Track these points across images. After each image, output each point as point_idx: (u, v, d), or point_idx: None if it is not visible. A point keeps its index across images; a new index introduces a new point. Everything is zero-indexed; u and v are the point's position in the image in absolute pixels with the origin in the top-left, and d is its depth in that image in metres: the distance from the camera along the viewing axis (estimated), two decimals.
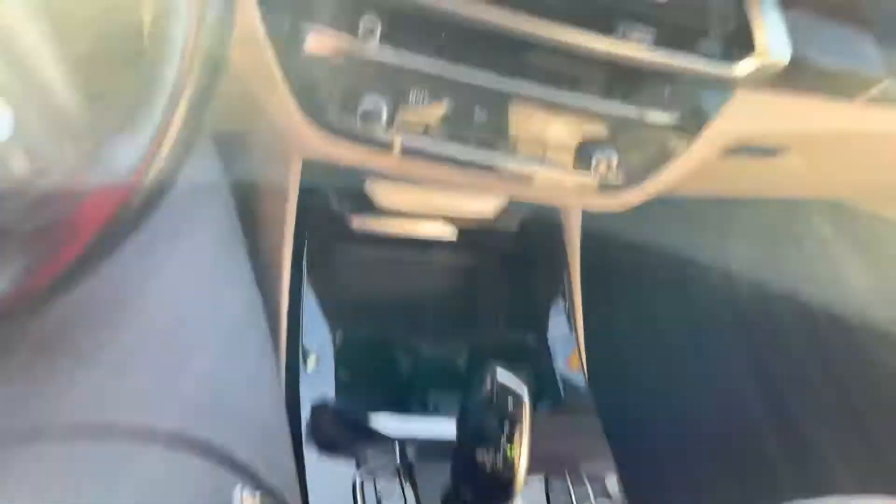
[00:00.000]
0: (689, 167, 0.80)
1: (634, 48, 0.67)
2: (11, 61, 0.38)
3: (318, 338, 0.79)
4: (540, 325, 0.90)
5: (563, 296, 0.92)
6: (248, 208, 0.83)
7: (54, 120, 0.40)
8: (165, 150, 0.41)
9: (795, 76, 0.72)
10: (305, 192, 0.84)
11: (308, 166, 0.84)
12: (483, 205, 0.92)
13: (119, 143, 0.41)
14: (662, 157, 0.77)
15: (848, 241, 1.39)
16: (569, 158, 0.75)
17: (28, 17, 0.38)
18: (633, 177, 0.77)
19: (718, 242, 1.45)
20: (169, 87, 0.40)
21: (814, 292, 1.35)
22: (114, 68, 0.47)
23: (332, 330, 0.82)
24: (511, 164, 0.74)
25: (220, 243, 0.72)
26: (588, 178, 0.75)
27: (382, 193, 0.89)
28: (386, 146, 0.70)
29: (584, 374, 0.87)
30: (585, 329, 0.91)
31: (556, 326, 0.90)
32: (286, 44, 0.65)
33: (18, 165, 0.40)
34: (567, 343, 0.88)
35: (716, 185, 1.10)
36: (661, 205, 0.87)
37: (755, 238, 1.46)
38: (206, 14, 0.40)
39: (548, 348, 0.88)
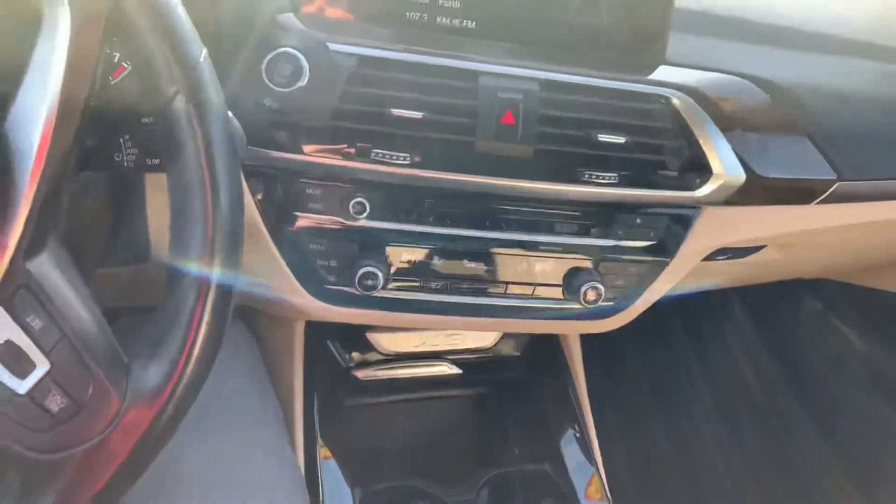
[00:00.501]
0: (671, 282, 0.84)
1: (601, 191, 0.73)
2: (51, 310, 0.42)
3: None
4: (557, 453, 0.91)
5: (574, 420, 0.93)
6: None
7: (85, 356, 0.43)
8: (190, 367, 0.44)
9: (754, 190, 0.78)
10: (311, 351, 0.87)
11: (310, 325, 0.88)
12: (481, 338, 0.95)
13: (146, 366, 0.45)
14: (645, 277, 0.81)
15: (838, 313, 1.43)
16: (557, 291, 0.79)
17: (65, 272, 0.42)
18: (621, 299, 0.81)
19: (713, 327, 1.48)
20: (188, 314, 0.44)
21: (816, 368, 1.37)
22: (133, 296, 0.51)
23: (352, 488, 0.82)
24: (503, 305, 0.78)
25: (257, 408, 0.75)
26: (577, 306, 0.79)
27: (383, 340, 0.92)
28: (384, 306, 0.74)
29: (609, 501, 0.87)
30: (604, 450, 0.92)
31: (572, 454, 0.90)
32: (283, 230, 0.70)
33: (54, 402, 0.43)
34: (584, 471, 0.89)
35: (699, 284, 1.14)
36: None
37: (749, 319, 1.49)
38: (218, 253, 0.44)
39: (568, 478, 0.88)
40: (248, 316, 0.86)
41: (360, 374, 0.91)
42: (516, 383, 1.00)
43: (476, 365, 0.97)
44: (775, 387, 1.35)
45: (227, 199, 0.45)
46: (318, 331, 0.89)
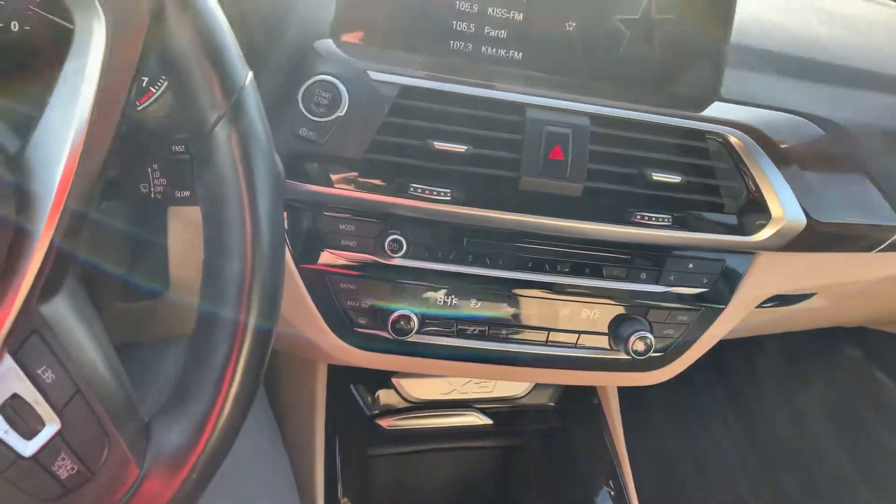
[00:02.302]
0: (722, 332, 0.78)
1: (654, 233, 0.68)
2: (65, 361, 0.36)
3: None
4: None
5: (611, 475, 0.86)
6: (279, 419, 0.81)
7: (101, 414, 0.38)
8: (218, 429, 0.39)
9: (813, 236, 0.73)
10: (332, 396, 0.82)
11: (332, 368, 0.82)
12: (512, 386, 0.90)
13: (169, 427, 0.39)
14: (696, 326, 0.76)
15: (879, 363, 1.36)
16: (602, 340, 0.73)
17: (82, 315, 0.37)
18: (670, 349, 0.76)
19: (750, 375, 1.41)
20: (219, 366, 0.39)
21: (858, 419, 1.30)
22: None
23: None
24: (544, 354, 0.72)
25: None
26: (623, 357, 0.73)
27: (409, 387, 0.86)
28: (416, 351, 0.69)
29: None
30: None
31: None
32: (312, 268, 0.65)
33: (63, 467, 0.37)
34: None
35: (739, 333, 1.08)
36: None
37: (785, 371, 1.42)
38: (255, 299, 0.39)
39: None
40: None
41: (385, 422, 0.85)
42: (550, 435, 0.93)
43: (507, 415, 0.90)
44: (817, 439, 1.27)
45: (269, 237, 0.40)
46: (340, 374, 0.83)
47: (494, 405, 0.90)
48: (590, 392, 0.92)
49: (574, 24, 0.68)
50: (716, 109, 0.71)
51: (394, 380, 0.85)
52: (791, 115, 0.75)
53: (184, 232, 0.64)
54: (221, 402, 0.39)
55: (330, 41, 0.63)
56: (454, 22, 0.65)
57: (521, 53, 0.68)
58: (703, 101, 0.71)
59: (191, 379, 0.40)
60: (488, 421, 0.88)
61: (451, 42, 0.67)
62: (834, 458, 1.27)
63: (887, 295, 0.94)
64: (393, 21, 0.64)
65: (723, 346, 1.16)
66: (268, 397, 0.79)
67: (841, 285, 0.85)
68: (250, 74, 0.42)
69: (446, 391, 0.86)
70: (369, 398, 0.86)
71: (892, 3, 1.24)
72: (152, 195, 0.54)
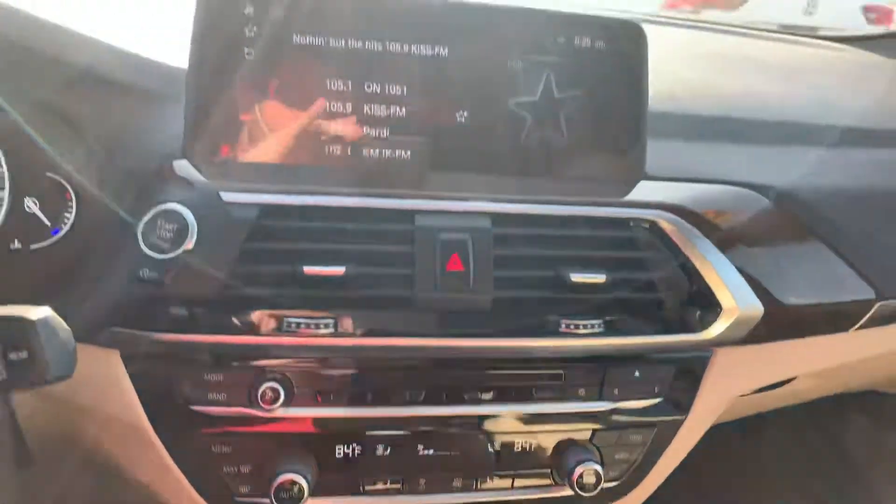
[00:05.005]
0: (690, 443, 0.66)
1: (583, 343, 0.57)
2: None
3: None
4: None
5: None
6: None
7: None
8: None
9: (779, 323, 0.62)
10: None
11: None
12: None
13: None
14: (656, 444, 0.64)
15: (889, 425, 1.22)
16: (544, 477, 0.61)
17: None
18: (625, 477, 0.63)
19: (753, 460, 1.26)
20: None
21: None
22: None
23: None
24: None
25: None
26: (569, 493, 0.61)
27: None
28: None
29: None
30: None
31: None
32: (175, 430, 0.54)
33: None
34: None
35: (721, 418, 0.96)
36: None
37: (790, 446, 1.28)
38: None
39: None
40: None
41: None
42: None
43: None
44: None
45: None
46: None
47: None
48: None
49: (466, 113, 0.59)
50: (641, 191, 0.62)
51: None
52: (728, 187, 0.66)
53: None
54: None
55: (176, 163, 0.54)
56: (326, 123, 0.56)
57: (408, 152, 0.60)
58: (627, 183, 0.62)
59: None
60: None
61: (326, 147, 0.58)
62: None
63: (880, 367, 0.82)
64: (255, 131, 0.55)
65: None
66: None
67: (822, 369, 0.73)
68: None
69: None
70: None
71: (838, 44, 1.17)
72: None
